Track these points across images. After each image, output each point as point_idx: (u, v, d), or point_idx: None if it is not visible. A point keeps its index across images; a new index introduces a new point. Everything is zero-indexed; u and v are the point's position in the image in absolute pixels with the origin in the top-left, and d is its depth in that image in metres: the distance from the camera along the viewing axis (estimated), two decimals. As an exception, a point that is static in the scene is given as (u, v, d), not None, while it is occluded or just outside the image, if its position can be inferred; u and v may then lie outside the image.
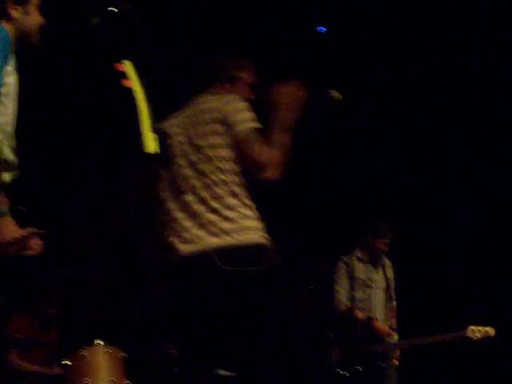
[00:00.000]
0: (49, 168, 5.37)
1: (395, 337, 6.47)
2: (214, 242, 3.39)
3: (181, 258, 3.43)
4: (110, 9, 2.88)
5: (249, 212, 3.50)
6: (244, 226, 3.44)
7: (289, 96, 3.61)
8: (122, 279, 5.31)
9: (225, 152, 3.54)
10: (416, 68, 7.41)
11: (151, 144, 2.53)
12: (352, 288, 6.33)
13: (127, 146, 4.27)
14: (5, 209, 2.89)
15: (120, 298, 5.40)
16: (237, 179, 3.54)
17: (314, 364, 3.52)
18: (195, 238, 3.44)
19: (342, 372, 5.79)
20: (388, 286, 6.57)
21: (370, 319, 6.30)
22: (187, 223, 3.49)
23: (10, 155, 2.97)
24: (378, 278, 6.56)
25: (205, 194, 3.50)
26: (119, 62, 2.86)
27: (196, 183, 3.53)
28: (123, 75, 2.82)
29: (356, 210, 6.36)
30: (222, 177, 3.51)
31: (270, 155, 3.50)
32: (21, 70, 3.07)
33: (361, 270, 6.49)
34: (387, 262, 6.70)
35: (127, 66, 2.84)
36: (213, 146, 3.54)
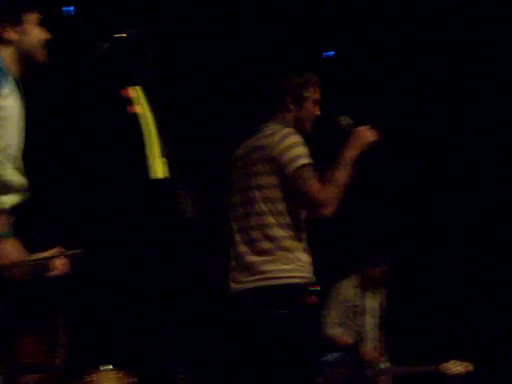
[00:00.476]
0: (58, 191, 5.39)
1: (387, 363, 6.49)
2: (252, 283, 3.46)
3: (229, 296, 3.54)
4: (118, 35, 2.88)
5: (288, 254, 3.50)
6: (280, 268, 3.46)
7: (363, 138, 3.62)
8: (132, 304, 5.34)
9: (271, 192, 3.54)
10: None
11: (160, 169, 2.52)
12: (344, 314, 6.37)
13: (132, 171, 4.28)
14: (5, 231, 2.87)
15: (131, 323, 5.42)
16: (282, 220, 3.53)
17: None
18: (238, 278, 3.52)
19: None
20: (381, 313, 6.59)
21: (357, 345, 6.31)
22: (233, 263, 3.58)
23: (14, 177, 2.96)
24: (372, 305, 6.57)
25: (248, 236, 3.55)
26: (127, 87, 2.86)
27: (243, 223, 3.58)
28: (130, 101, 2.82)
29: (355, 235, 6.35)
30: (263, 219, 3.52)
31: (327, 192, 3.50)
32: (27, 93, 3.06)
33: (356, 296, 6.50)
34: (383, 289, 6.70)
35: (136, 92, 2.84)
36: (260, 187, 3.56)
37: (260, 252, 3.49)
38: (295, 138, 3.60)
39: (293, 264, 3.48)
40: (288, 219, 3.53)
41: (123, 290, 5.26)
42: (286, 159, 3.51)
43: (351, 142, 3.62)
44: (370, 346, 6.41)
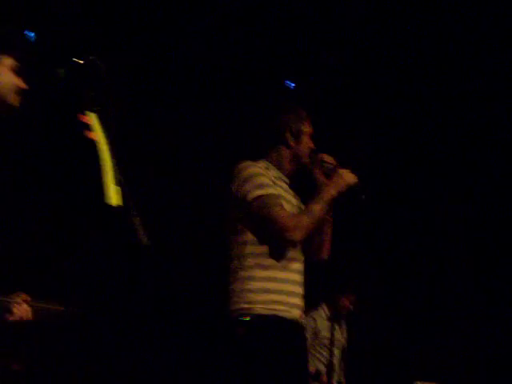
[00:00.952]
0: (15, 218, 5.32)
1: None
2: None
3: None
4: (74, 60, 2.86)
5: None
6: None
7: (345, 180, 3.72)
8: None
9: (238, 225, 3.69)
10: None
11: (114, 197, 2.49)
12: (312, 344, 6.41)
13: (91, 198, 4.25)
14: None
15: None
16: (249, 250, 3.65)
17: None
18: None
19: None
20: (345, 344, 6.67)
21: (318, 373, 6.34)
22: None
23: None
24: (339, 337, 6.64)
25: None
26: (83, 113, 2.83)
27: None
28: (87, 127, 2.80)
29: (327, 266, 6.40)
30: (230, 251, 3.71)
31: (298, 219, 3.62)
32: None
33: (326, 327, 6.58)
34: (343, 320, 6.81)
35: (92, 118, 2.82)
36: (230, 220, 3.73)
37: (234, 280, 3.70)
38: (253, 170, 3.64)
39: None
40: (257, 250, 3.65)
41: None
42: (243, 192, 3.63)
43: (333, 182, 3.71)
44: (335, 378, 6.48)
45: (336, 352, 6.62)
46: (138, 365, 5.65)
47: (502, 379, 7.43)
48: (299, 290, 3.74)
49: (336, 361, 6.59)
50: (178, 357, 6.34)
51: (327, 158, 3.85)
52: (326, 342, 6.57)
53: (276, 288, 3.62)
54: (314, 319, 6.51)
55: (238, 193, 3.66)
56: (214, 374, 6.16)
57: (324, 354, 6.53)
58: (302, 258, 3.81)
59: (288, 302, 3.64)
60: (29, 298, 3.16)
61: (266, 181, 3.67)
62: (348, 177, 3.72)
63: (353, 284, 6.70)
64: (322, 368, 6.46)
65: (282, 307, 3.61)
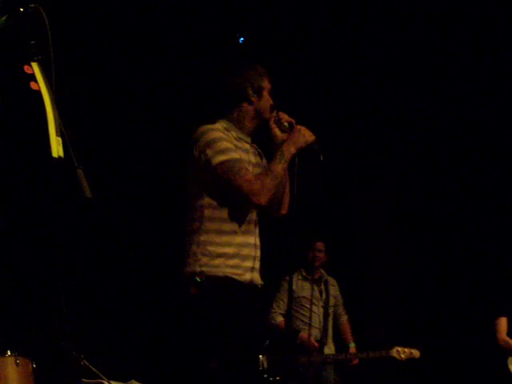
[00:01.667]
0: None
1: (352, 344, 6.91)
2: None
3: None
4: (16, 8, 2.77)
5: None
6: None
7: (303, 137, 3.70)
8: (38, 292, 5.22)
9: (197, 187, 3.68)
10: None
11: (55, 148, 2.44)
12: (291, 305, 6.50)
13: (37, 150, 4.17)
14: None
15: (32, 308, 5.30)
16: (209, 214, 3.63)
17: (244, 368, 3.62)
18: None
19: (268, 378, 5.93)
20: (330, 303, 6.78)
21: (296, 332, 6.45)
22: None
23: None
24: (319, 295, 6.74)
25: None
26: (27, 63, 2.76)
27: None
28: (32, 77, 2.73)
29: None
30: (189, 213, 3.69)
31: (262, 181, 3.61)
32: None
33: (303, 287, 6.70)
34: (331, 280, 7.01)
35: (35, 68, 2.75)
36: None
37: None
38: (214, 134, 3.62)
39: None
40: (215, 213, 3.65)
41: (19, 271, 5.16)
42: (206, 158, 3.60)
43: (292, 139, 3.71)
44: (314, 334, 6.60)
45: (317, 310, 6.75)
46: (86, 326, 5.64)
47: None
48: (255, 252, 3.74)
49: (317, 319, 6.73)
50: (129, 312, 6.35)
51: (284, 116, 3.83)
52: (305, 301, 6.71)
53: (232, 252, 3.62)
54: (288, 280, 6.59)
55: (200, 158, 3.62)
56: (168, 332, 6.18)
57: (304, 313, 6.67)
58: (256, 219, 3.81)
59: (243, 265, 3.66)
60: None
61: (229, 145, 3.63)
62: (306, 134, 3.71)
63: (318, 233, 6.85)
64: (303, 327, 6.58)
65: (236, 270, 3.63)
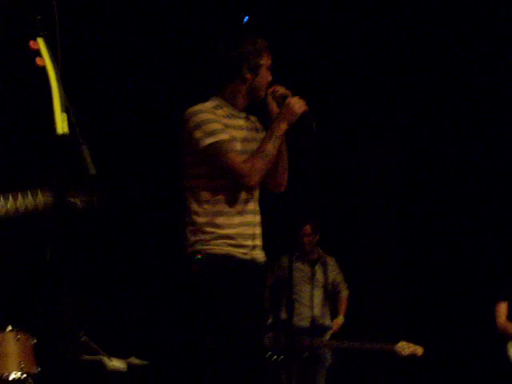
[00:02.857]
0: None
1: (340, 317, 6.93)
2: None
3: None
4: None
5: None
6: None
7: (294, 109, 3.64)
8: (37, 269, 5.23)
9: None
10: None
11: (60, 124, 2.43)
12: (292, 288, 6.50)
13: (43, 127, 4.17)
14: None
15: (34, 284, 5.32)
16: (205, 195, 3.63)
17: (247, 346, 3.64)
18: None
19: (272, 355, 5.96)
20: (328, 283, 6.76)
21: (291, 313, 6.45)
22: None
23: None
24: (317, 275, 6.73)
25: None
26: (33, 39, 2.75)
27: None
28: (37, 53, 2.72)
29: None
30: (187, 195, 3.69)
31: (252, 162, 3.59)
32: None
33: (300, 268, 6.69)
34: (329, 260, 6.99)
35: (40, 43, 2.73)
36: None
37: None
38: (203, 116, 3.61)
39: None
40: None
41: (24, 252, 5.17)
42: (194, 141, 3.60)
43: (282, 114, 3.65)
44: (317, 315, 6.60)
45: (317, 292, 6.75)
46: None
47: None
48: (255, 230, 3.73)
49: (316, 299, 6.73)
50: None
51: (279, 89, 3.76)
52: (299, 282, 6.70)
53: (231, 233, 3.63)
54: (282, 263, 6.60)
55: (190, 141, 3.62)
56: (168, 309, 6.20)
57: (300, 295, 6.68)
58: (256, 196, 3.79)
59: (244, 244, 3.67)
60: None
61: (217, 126, 3.61)
62: (297, 106, 3.64)
63: (310, 213, 6.83)
64: (298, 307, 6.59)
65: (237, 249, 3.64)
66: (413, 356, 6.18)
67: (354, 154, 8.35)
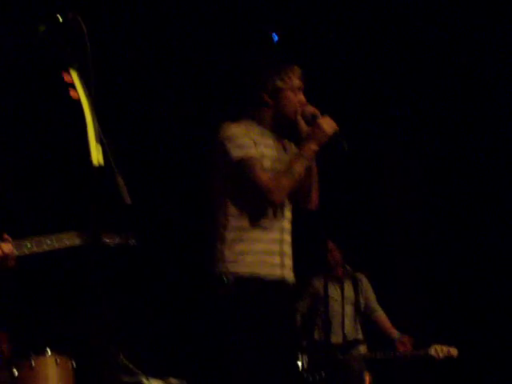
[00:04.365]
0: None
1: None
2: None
3: None
4: (55, 16, 2.83)
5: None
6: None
7: (325, 131, 3.63)
8: (73, 290, 5.30)
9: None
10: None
11: (95, 155, 2.50)
12: (327, 308, 6.47)
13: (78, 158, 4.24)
14: None
15: (69, 308, 5.38)
16: (232, 211, 3.66)
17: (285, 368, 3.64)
18: None
19: (308, 377, 5.95)
20: (359, 300, 6.72)
21: (327, 331, 6.42)
22: None
23: None
24: (345, 292, 6.71)
25: None
26: (66, 71, 2.82)
27: None
28: (71, 85, 2.79)
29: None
30: (213, 212, 3.72)
31: (278, 180, 3.60)
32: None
33: (328, 287, 6.67)
34: (359, 276, 6.91)
35: (73, 75, 2.80)
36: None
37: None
38: (235, 129, 3.65)
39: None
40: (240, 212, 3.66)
41: (61, 274, 5.23)
42: (223, 154, 3.64)
43: (312, 135, 3.66)
44: (348, 332, 6.57)
45: (347, 309, 6.71)
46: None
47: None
48: (283, 248, 3.72)
49: (346, 316, 6.67)
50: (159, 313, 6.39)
51: (308, 108, 3.76)
52: (335, 298, 6.66)
53: (258, 249, 3.63)
54: (313, 282, 6.60)
55: (219, 152, 3.65)
56: (195, 334, 6.23)
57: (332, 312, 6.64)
58: (288, 216, 3.80)
59: (271, 261, 3.66)
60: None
61: (247, 141, 3.64)
62: (328, 126, 3.64)
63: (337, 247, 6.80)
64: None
65: (264, 268, 3.63)
66: (449, 358, 6.14)
67: (383, 170, 8.36)
